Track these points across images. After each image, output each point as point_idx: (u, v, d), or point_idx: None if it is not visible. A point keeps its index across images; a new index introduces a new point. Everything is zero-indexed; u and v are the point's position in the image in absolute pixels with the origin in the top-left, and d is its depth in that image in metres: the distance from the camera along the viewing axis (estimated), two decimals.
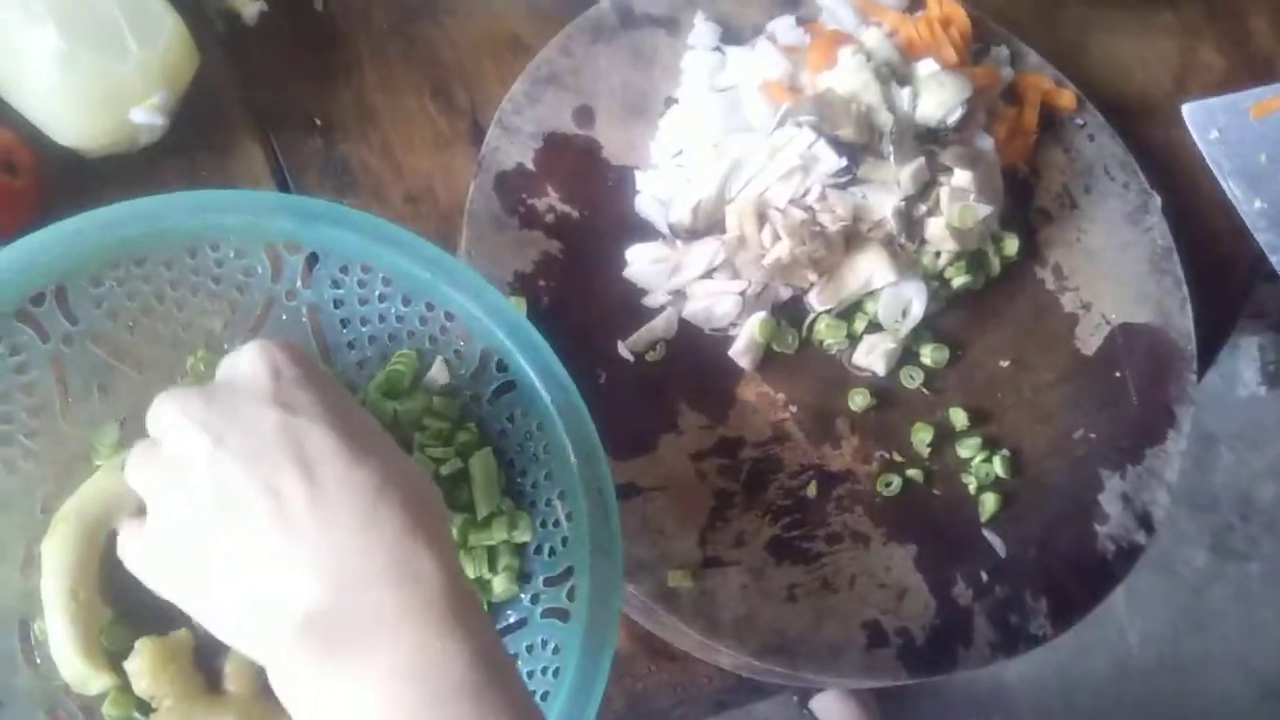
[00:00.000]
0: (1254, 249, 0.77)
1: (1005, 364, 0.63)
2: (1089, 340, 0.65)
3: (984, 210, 0.61)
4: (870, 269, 0.58)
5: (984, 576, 0.58)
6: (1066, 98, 0.69)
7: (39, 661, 0.48)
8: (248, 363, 0.42)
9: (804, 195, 0.58)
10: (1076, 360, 0.65)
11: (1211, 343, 0.74)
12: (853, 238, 0.59)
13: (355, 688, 0.36)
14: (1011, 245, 0.64)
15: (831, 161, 0.56)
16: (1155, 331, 0.66)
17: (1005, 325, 0.64)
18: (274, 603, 0.37)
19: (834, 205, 0.57)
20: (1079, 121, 0.70)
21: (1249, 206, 0.60)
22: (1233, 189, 0.58)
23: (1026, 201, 0.68)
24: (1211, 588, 1.79)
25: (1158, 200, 0.69)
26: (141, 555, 0.43)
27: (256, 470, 0.38)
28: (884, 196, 0.58)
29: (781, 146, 0.57)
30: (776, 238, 0.56)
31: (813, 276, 0.58)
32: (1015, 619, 0.58)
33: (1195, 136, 0.56)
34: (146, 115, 0.54)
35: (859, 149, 0.58)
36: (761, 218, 0.57)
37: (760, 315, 0.58)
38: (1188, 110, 0.57)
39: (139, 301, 0.51)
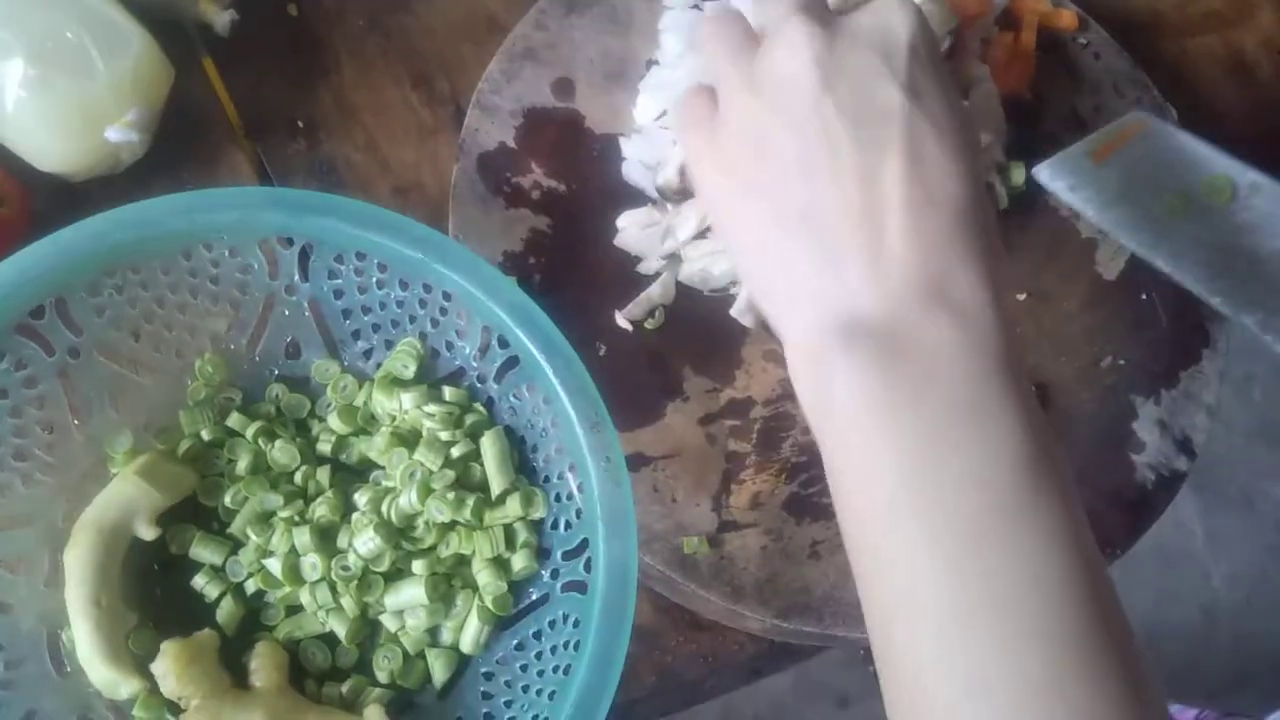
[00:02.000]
0: None
1: (1022, 297, 0.61)
2: (1111, 265, 0.62)
3: (985, 140, 0.59)
4: None
5: None
6: (1066, 18, 0.67)
7: (69, 669, 0.49)
8: (884, 22, 0.38)
9: None
10: (1099, 287, 0.62)
11: None
12: None
13: (896, 411, 0.34)
14: (1018, 174, 0.62)
15: None
16: None
17: (1020, 257, 0.62)
18: (824, 288, 0.36)
19: None
20: (1082, 41, 0.67)
21: (1151, 252, 0.57)
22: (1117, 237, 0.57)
23: (1032, 128, 0.65)
24: None
25: (1173, 113, 0.66)
26: (703, 146, 0.40)
27: (858, 140, 0.36)
28: None
29: None
30: None
31: None
32: None
33: (1060, 195, 0.56)
34: (122, 133, 0.54)
35: None
36: None
37: None
38: (1042, 171, 0.57)
39: (140, 308, 0.51)
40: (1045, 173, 0.57)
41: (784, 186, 0.37)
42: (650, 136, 0.59)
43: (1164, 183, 0.55)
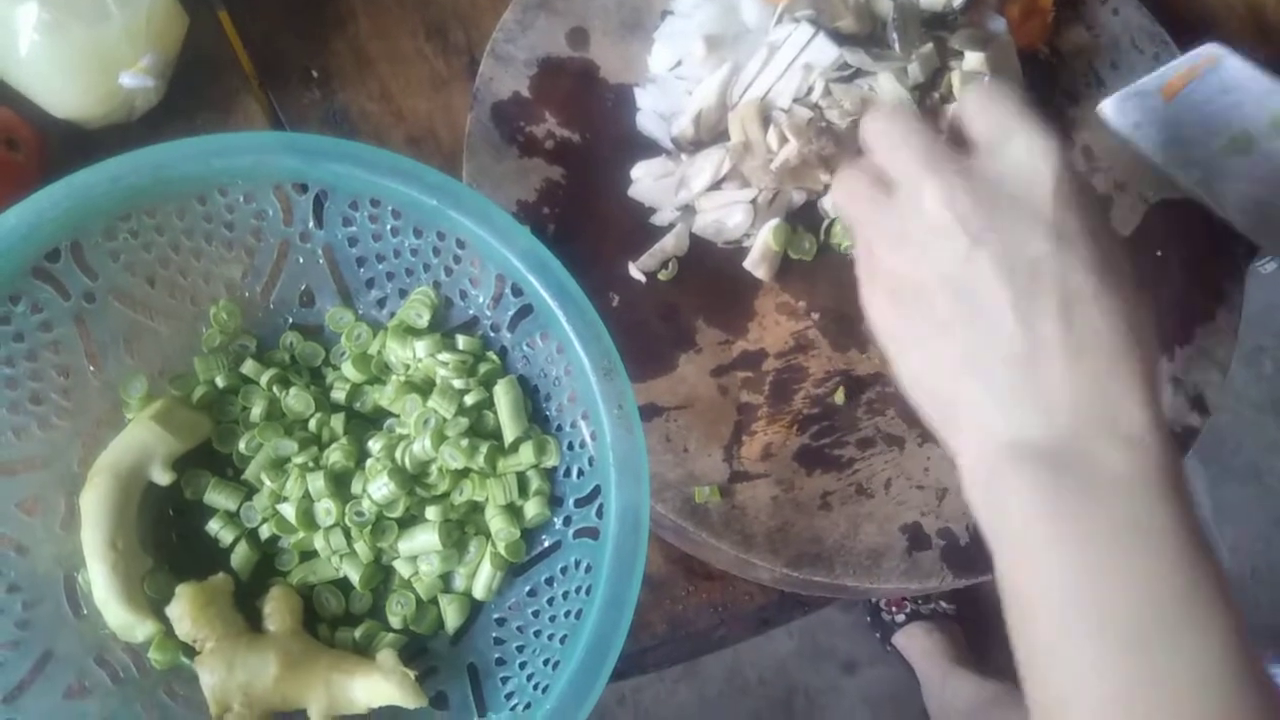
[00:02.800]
0: None
1: None
2: (1126, 221, 0.62)
3: None
4: None
5: None
6: None
7: (85, 612, 0.50)
8: (1028, 165, 0.40)
9: (809, 93, 0.56)
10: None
11: None
12: None
13: (1065, 526, 0.36)
14: None
15: (830, 54, 0.54)
16: (1196, 206, 0.63)
17: None
18: (993, 421, 0.38)
19: (840, 99, 0.55)
20: None
21: (1200, 189, 0.57)
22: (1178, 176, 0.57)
23: (1050, 84, 0.65)
24: None
25: None
26: (866, 298, 0.43)
27: (1012, 289, 0.38)
28: (895, 86, 0.56)
29: (780, 44, 0.55)
30: (783, 140, 0.55)
31: (825, 177, 0.56)
32: None
33: (1123, 132, 0.55)
34: (136, 79, 0.54)
35: (862, 39, 0.55)
36: (765, 120, 0.55)
37: (774, 222, 0.56)
38: (1108, 106, 0.55)
39: (155, 253, 0.51)
40: (1110, 108, 0.55)
41: (945, 334, 0.40)
42: (665, 86, 0.58)
43: (1230, 119, 0.53)
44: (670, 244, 0.57)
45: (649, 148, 0.58)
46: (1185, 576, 0.36)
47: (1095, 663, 0.36)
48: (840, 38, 0.55)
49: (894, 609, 1.52)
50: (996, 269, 0.38)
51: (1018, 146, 0.40)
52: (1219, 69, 0.53)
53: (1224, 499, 1.72)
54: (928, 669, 1.47)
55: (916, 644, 1.49)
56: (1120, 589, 0.36)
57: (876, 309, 0.43)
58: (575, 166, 0.58)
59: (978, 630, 1.54)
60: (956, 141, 0.43)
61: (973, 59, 0.58)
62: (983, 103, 0.42)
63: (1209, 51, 0.53)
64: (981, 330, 0.39)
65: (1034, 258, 0.38)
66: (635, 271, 0.56)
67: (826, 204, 0.58)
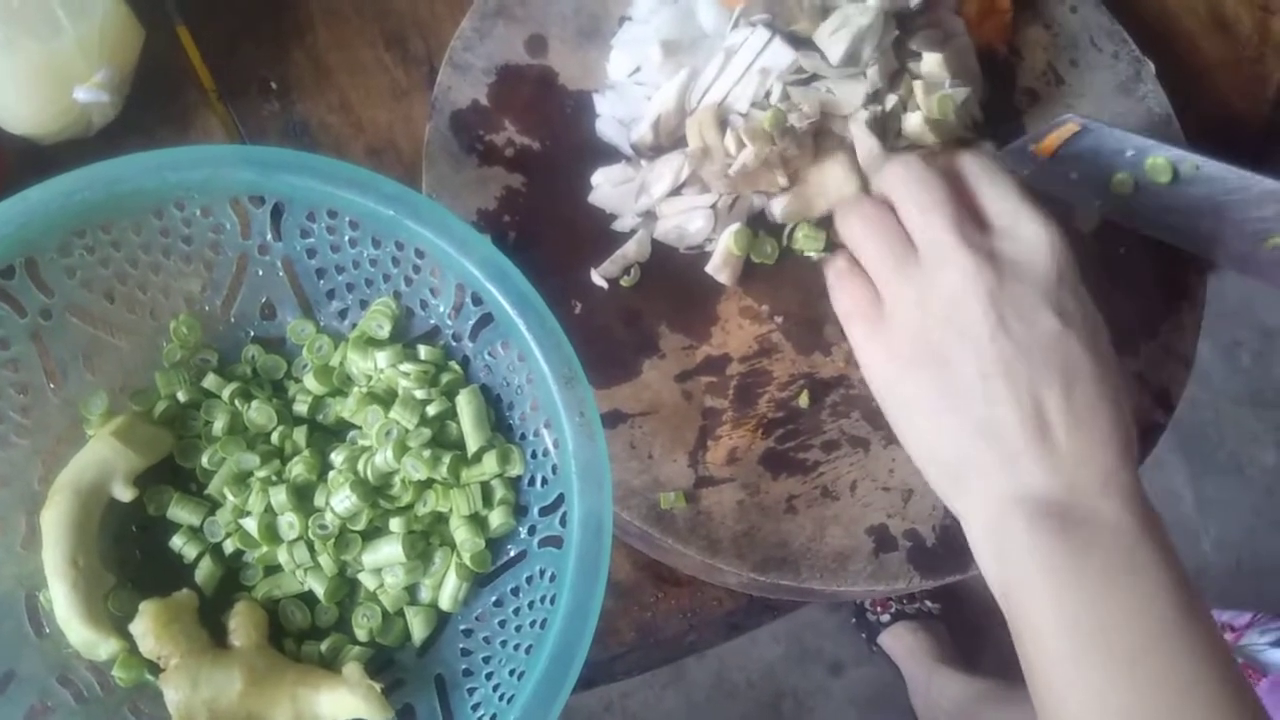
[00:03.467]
0: (1266, 110, 0.74)
1: None
2: (1089, 218, 0.62)
3: (961, 94, 0.58)
4: (836, 181, 0.56)
5: None
6: None
7: (48, 631, 0.49)
8: (1041, 251, 0.45)
9: (767, 97, 0.56)
10: (1075, 241, 0.62)
11: None
12: (824, 136, 0.57)
13: (1067, 570, 0.42)
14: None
15: (787, 57, 0.54)
16: None
17: None
18: (1002, 480, 0.44)
19: (799, 103, 0.55)
20: None
21: (1118, 217, 0.61)
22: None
23: (1010, 84, 0.65)
24: None
25: (1151, 67, 0.66)
26: (878, 359, 0.48)
27: (1024, 368, 0.44)
28: (852, 88, 0.56)
29: (737, 48, 0.55)
30: (741, 144, 0.55)
31: (783, 180, 0.56)
32: None
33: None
34: (91, 94, 0.54)
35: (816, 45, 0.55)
36: (723, 124, 0.55)
37: (735, 227, 0.56)
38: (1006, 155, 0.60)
39: (112, 268, 0.51)
40: (1003, 158, 0.58)
41: (962, 404, 0.44)
42: (623, 92, 0.58)
43: (1112, 167, 0.58)
44: (632, 250, 0.57)
45: (609, 154, 0.58)
46: (1174, 605, 0.41)
47: (1102, 684, 0.41)
48: (797, 41, 0.55)
49: (879, 609, 1.52)
50: (1017, 349, 0.43)
51: (1030, 233, 0.45)
52: (1084, 134, 0.56)
53: (1207, 492, 1.73)
54: (913, 668, 1.48)
55: (902, 644, 1.50)
56: (1121, 619, 0.41)
57: (881, 369, 0.47)
58: (535, 174, 0.58)
59: (963, 629, 1.55)
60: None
61: (930, 60, 0.58)
62: (989, 177, 0.47)
63: (1069, 118, 0.57)
64: (998, 403, 0.43)
65: (1042, 338, 0.44)
66: (597, 278, 0.56)
67: (777, 209, 0.57)
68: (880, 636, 1.52)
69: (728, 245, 0.56)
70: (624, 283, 0.57)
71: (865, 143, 0.55)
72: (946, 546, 0.54)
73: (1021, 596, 0.43)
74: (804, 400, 0.56)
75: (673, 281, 0.57)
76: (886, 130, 0.57)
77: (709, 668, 1.56)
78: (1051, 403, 0.43)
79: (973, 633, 1.56)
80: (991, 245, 0.45)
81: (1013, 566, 0.43)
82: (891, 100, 0.57)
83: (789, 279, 0.58)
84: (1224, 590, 1.67)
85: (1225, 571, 1.69)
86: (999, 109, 0.63)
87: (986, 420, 0.44)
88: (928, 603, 1.53)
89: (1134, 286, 0.61)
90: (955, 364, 0.44)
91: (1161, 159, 0.56)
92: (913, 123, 0.58)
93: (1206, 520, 1.71)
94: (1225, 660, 0.42)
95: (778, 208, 0.57)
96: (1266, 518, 1.72)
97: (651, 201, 0.56)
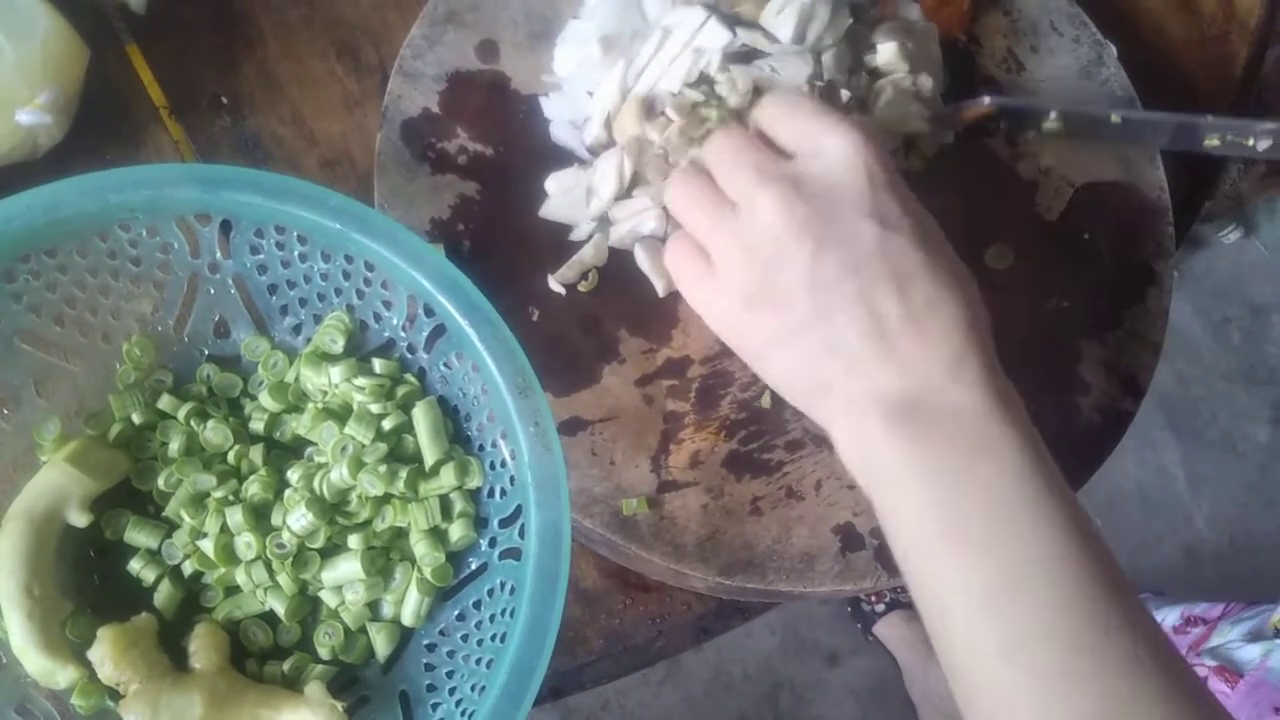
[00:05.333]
0: (1233, 88, 0.73)
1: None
2: (1052, 206, 0.62)
3: (926, 85, 0.58)
4: None
5: None
6: None
7: (4, 661, 0.49)
8: (843, 163, 0.45)
9: (703, 77, 0.54)
10: (1040, 228, 0.61)
11: (1198, 191, 0.71)
12: None
13: (927, 458, 0.43)
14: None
15: (722, 38, 0.53)
16: (1123, 187, 0.62)
17: (959, 201, 0.61)
18: (852, 388, 0.44)
19: (736, 79, 0.54)
20: None
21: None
22: None
23: (970, 73, 0.64)
24: (1277, 463, 1.73)
25: (1112, 49, 0.65)
26: (717, 309, 0.48)
27: (854, 281, 0.44)
28: (798, 65, 0.54)
29: (673, 29, 0.54)
30: (667, 122, 0.53)
31: None
32: None
33: None
34: (34, 116, 0.53)
35: (759, 25, 0.54)
36: (651, 108, 0.54)
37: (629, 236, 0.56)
38: None
39: (60, 292, 0.51)
40: None
41: (806, 330, 0.45)
42: (570, 93, 0.57)
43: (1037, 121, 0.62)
44: (589, 255, 0.56)
45: (564, 159, 0.58)
46: (1029, 484, 0.42)
47: (963, 568, 0.42)
48: (734, 21, 0.54)
49: (874, 599, 1.52)
50: (842, 265, 0.44)
51: (830, 147, 0.45)
52: (1003, 112, 0.61)
53: (1199, 470, 1.72)
54: (909, 657, 1.47)
55: (897, 633, 1.49)
56: (976, 503, 0.42)
57: (722, 319, 0.47)
58: (489, 181, 0.57)
59: None
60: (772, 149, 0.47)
61: (886, 50, 0.57)
62: (783, 110, 0.47)
63: (985, 102, 0.61)
64: (838, 320, 0.44)
65: (865, 248, 0.44)
66: (555, 284, 0.56)
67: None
68: (876, 626, 1.52)
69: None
70: (582, 288, 0.56)
71: (796, 76, 0.54)
72: None
73: (885, 495, 0.44)
74: (767, 400, 0.55)
75: (631, 285, 0.57)
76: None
77: (705, 661, 1.55)
78: (886, 306, 0.43)
79: None
80: (795, 171, 0.45)
81: (876, 470, 0.44)
82: (846, 96, 0.56)
83: None
84: (1217, 568, 1.67)
85: (1218, 549, 1.69)
86: (959, 99, 0.62)
87: (828, 339, 0.44)
88: None
89: (1098, 273, 0.61)
90: (787, 295, 0.44)
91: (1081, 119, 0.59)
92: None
93: (1199, 498, 1.71)
94: (1083, 540, 0.42)
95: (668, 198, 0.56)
96: (1259, 495, 1.71)
97: (602, 204, 0.55)
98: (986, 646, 0.41)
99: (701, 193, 0.47)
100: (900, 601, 1.51)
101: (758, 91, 0.53)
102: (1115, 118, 0.61)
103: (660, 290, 0.56)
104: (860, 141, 0.45)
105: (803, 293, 0.44)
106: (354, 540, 0.50)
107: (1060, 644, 0.40)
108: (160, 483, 0.52)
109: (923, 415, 0.43)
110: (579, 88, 0.57)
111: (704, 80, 0.54)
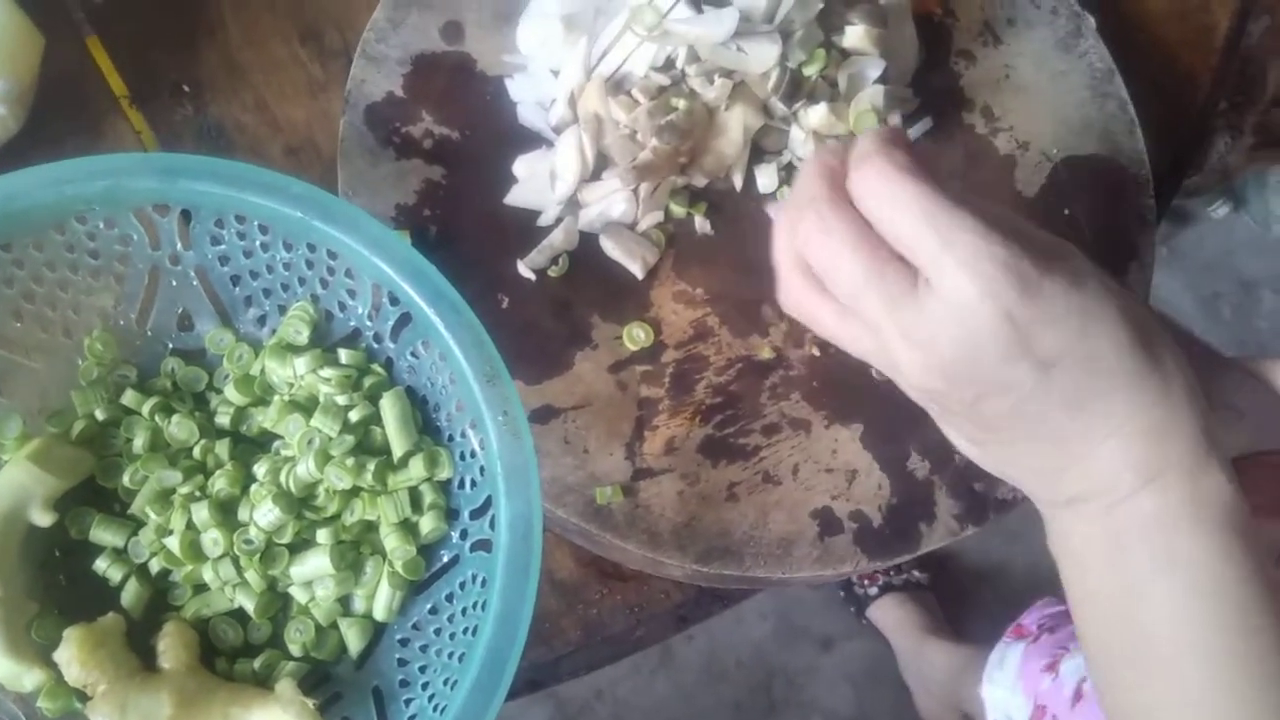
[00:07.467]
0: (1215, 60, 0.72)
1: None
2: (1031, 180, 0.61)
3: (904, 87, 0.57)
4: (734, 146, 0.54)
5: (940, 446, 0.55)
6: None
7: None
8: (970, 308, 0.37)
9: (671, 61, 0.53)
10: (1018, 204, 0.60)
11: (1180, 162, 0.69)
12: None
13: (1112, 555, 0.41)
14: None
15: (682, 9, 0.51)
16: (1103, 160, 0.61)
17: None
18: (1053, 483, 0.42)
19: (705, 59, 0.52)
20: None
21: None
22: None
23: (946, 47, 0.63)
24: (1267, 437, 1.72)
25: (1091, 21, 0.64)
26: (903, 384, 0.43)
27: (1023, 425, 0.40)
28: (766, 47, 0.53)
29: (637, 8, 0.53)
30: (634, 105, 0.52)
31: (683, 159, 0.54)
32: (980, 485, 0.54)
33: None
34: None
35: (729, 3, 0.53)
36: (618, 87, 0.53)
37: (657, 217, 0.55)
38: None
39: (18, 287, 0.50)
40: None
41: (977, 442, 0.43)
42: (535, 73, 0.56)
43: None
44: (559, 239, 0.55)
45: (532, 141, 0.57)
46: (1230, 613, 0.39)
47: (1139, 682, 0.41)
48: (701, 2, 0.52)
49: (866, 582, 1.51)
50: (1009, 411, 0.40)
51: (950, 280, 0.37)
52: None
53: None
54: (902, 640, 1.46)
55: (890, 616, 1.49)
56: (1162, 618, 0.40)
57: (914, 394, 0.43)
58: (456, 165, 0.56)
59: (951, 598, 1.54)
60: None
61: (854, 34, 0.56)
62: (883, 194, 0.39)
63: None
64: (1020, 448, 0.41)
65: (1022, 389, 0.39)
66: (524, 270, 0.55)
67: (696, 180, 0.55)
68: (869, 609, 1.51)
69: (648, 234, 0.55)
70: (552, 273, 0.55)
71: (764, 59, 0.53)
72: (894, 526, 0.53)
73: (1070, 576, 0.43)
74: (743, 384, 0.54)
75: (603, 269, 0.55)
76: (798, 91, 0.55)
77: (698, 649, 1.55)
78: (1065, 430, 0.40)
79: (962, 599, 1.55)
80: (925, 311, 0.38)
81: (1064, 549, 0.43)
82: (811, 70, 0.54)
83: (723, 260, 0.56)
84: None
85: None
86: (935, 74, 0.61)
87: (1014, 460, 0.42)
88: (915, 573, 1.52)
89: (1080, 248, 0.59)
90: (959, 424, 0.42)
91: None
92: (816, 116, 0.56)
93: None
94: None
95: (696, 179, 0.55)
96: None
97: (568, 187, 0.54)
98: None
99: (865, 242, 0.39)
100: (893, 584, 1.50)
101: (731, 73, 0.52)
102: None
103: (638, 273, 0.55)
104: (985, 274, 0.36)
105: (974, 429, 0.42)
106: (323, 535, 0.49)
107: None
108: (125, 480, 0.51)
109: (1115, 515, 0.40)
110: (544, 67, 0.55)
111: (670, 65, 0.53)
